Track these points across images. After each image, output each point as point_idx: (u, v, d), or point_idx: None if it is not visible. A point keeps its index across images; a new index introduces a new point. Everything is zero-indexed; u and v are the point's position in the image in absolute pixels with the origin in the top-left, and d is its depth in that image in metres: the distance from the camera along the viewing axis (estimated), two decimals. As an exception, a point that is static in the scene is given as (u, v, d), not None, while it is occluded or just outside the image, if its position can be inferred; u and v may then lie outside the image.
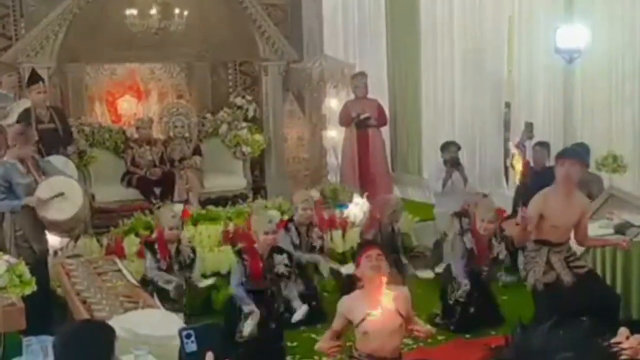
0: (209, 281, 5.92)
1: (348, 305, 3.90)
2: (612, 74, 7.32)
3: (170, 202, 7.30)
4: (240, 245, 5.77)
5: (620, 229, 5.59)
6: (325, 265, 6.04)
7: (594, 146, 6.80)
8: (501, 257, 5.76)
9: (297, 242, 5.91)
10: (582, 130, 7.52)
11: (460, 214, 6.03)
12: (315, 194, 6.30)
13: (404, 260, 6.26)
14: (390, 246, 6.23)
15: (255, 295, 5.28)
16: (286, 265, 5.40)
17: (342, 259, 6.55)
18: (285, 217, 6.41)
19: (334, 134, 9.16)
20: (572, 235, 5.10)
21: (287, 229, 5.93)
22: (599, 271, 5.42)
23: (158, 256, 5.50)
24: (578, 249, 5.24)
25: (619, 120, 7.26)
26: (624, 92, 7.24)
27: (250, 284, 5.27)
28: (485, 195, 6.31)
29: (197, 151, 7.96)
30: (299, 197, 6.09)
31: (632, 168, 6.56)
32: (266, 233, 5.29)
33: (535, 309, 5.14)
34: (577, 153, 5.14)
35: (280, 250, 5.44)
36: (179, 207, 6.24)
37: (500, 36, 8.49)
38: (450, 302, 5.71)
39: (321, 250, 6.16)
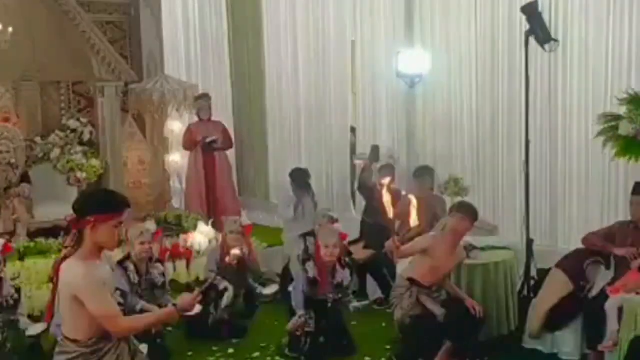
0: (39, 327, 5.26)
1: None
2: (452, 98, 7.53)
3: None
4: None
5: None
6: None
7: (435, 168, 6.94)
8: (345, 283, 5.61)
9: (135, 280, 5.48)
10: (424, 153, 7.67)
11: (306, 235, 5.91)
12: (151, 225, 5.88)
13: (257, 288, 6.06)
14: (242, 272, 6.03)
15: None
16: (120, 304, 4.99)
17: (187, 290, 6.20)
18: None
19: (177, 158, 8.80)
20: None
21: (124, 268, 5.46)
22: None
23: None
24: None
25: (459, 144, 7.46)
26: (462, 115, 7.46)
27: None
28: (333, 219, 6.18)
29: (25, 178, 7.31)
30: (133, 232, 5.65)
31: (472, 191, 6.72)
32: None
33: (402, 334, 5.24)
34: (473, 212, 5.23)
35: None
36: None
37: (344, 60, 8.53)
38: (298, 333, 5.51)
39: (163, 286, 5.75)
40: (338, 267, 5.57)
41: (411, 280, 5.14)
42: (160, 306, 5.48)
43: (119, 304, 4.94)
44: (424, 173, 6.64)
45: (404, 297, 5.12)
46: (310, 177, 7.46)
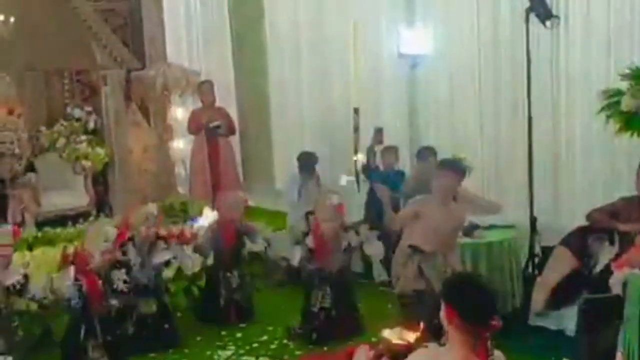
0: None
1: None
2: (453, 78, 7.50)
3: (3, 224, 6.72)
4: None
5: (467, 231, 5.69)
6: None
7: (438, 149, 6.92)
8: (353, 244, 5.72)
9: (136, 262, 5.51)
10: (427, 134, 7.66)
11: (309, 213, 5.97)
12: (153, 208, 5.90)
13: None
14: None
15: (99, 321, 4.96)
16: (125, 282, 5.08)
17: (193, 277, 6.26)
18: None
19: (182, 145, 8.82)
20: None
21: (123, 251, 5.48)
22: (448, 269, 5.45)
23: None
24: None
25: (461, 124, 7.45)
26: (465, 95, 7.44)
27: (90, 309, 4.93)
28: (330, 194, 6.21)
29: (30, 168, 7.37)
30: (138, 218, 5.70)
31: (475, 170, 6.70)
32: (103, 253, 4.97)
33: (403, 310, 5.11)
34: (454, 165, 5.12)
35: (118, 265, 5.11)
36: (7, 226, 5.65)
37: (346, 42, 8.49)
38: (314, 309, 5.59)
39: (167, 264, 5.79)
40: (341, 233, 5.69)
41: (412, 247, 4.98)
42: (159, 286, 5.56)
43: (124, 281, 5.07)
44: (426, 154, 6.63)
45: (406, 265, 4.97)
46: (317, 161, 7.50)
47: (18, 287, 5.13)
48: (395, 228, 5.21)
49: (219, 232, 6.06)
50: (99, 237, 5.11)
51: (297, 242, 5.84)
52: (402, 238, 5.15)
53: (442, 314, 2.68)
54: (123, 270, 5.13)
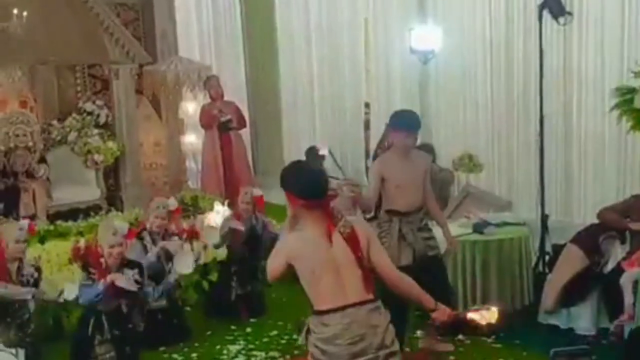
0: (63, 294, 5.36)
1: None
2: (465, 73, 7.49)
3: (15, 217, 6.76)
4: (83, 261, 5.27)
5: (478, 228, 5.68)
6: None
7: (449, 146, 6.93)
8: None
9: (151, 250, 5.52)
10: (437, 130, 7.65)
11: None
12: (173, 202, 5.92)
13: None
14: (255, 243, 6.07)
15: (108, 317, 4.96)
16: (136, 282, 5.07)
17: (204, 271, 6.27)
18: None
19: (193, 139, 8.84)
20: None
21: (140, 238, 5.54)
22: (459, 265, 5.46)
23: None
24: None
25: (472, 120, 7.44)
26: (476, 91, 7.43)
27: (101, 304, 4.93)
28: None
29: (43, 161, 7.41)
30: (152, 205, 5.75)
31: (486, 167, 6.71)
32: (112, 247, 4.95)
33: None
34: (409, 123, 4.85)
35: (131, 264, 5.10)
36: (25, 222, 5.66)
37: (357, 38, 8.49)
38: None
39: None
40: None
41: (389, 212, 4.84)
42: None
43: (136, 281, 5.05)
44: (424, 150, 6.57)
45: (389, 233, 4.80)
46: (325, 156, 7.53)
47: (32, 280, 5.15)
48: (373, 196, 4.83)
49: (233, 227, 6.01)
50: (108, 232, 5.10)
51: None
52: (381, 207, 4.95)
53: (286, 201, 3.11)
54: (136, 270, 5.11)
